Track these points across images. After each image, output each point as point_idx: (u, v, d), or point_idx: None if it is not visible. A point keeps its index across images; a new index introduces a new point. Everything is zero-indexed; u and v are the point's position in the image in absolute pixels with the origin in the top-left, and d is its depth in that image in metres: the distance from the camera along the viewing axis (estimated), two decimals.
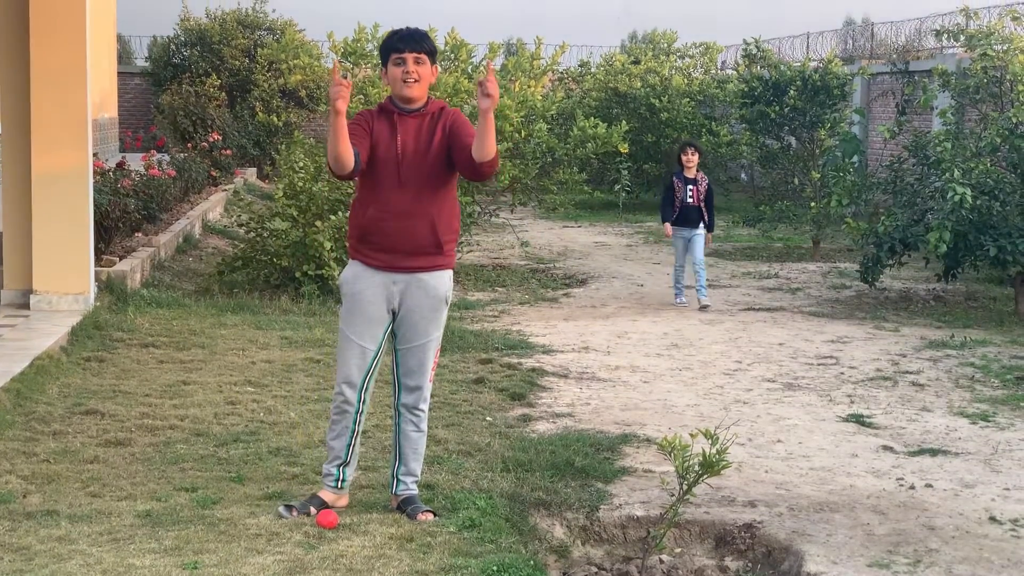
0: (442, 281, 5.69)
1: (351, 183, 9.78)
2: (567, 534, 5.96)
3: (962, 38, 13.74)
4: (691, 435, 5.36)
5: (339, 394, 5.71)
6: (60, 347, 8.85)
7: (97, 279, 10.62)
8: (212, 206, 17.18)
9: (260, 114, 25.05)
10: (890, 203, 12.86)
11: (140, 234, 12.91)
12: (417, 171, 5.58)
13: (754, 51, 17.50)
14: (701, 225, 12.26)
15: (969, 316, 11.76)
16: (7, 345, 8.73)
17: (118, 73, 26.28)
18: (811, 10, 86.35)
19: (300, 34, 25.78)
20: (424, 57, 5.62)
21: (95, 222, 10.65)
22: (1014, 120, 12.03)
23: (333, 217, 11.38)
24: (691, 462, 5.27)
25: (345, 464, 5.73)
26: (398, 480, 5.78)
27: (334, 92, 5.33)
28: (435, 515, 5.64)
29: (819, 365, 9.54)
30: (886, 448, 7.28)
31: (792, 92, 16.50)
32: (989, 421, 7.92)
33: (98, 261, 10.94)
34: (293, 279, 11.68)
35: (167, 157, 17.80)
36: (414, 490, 5.79)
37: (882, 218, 12.27)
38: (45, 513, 5.56)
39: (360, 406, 5.71)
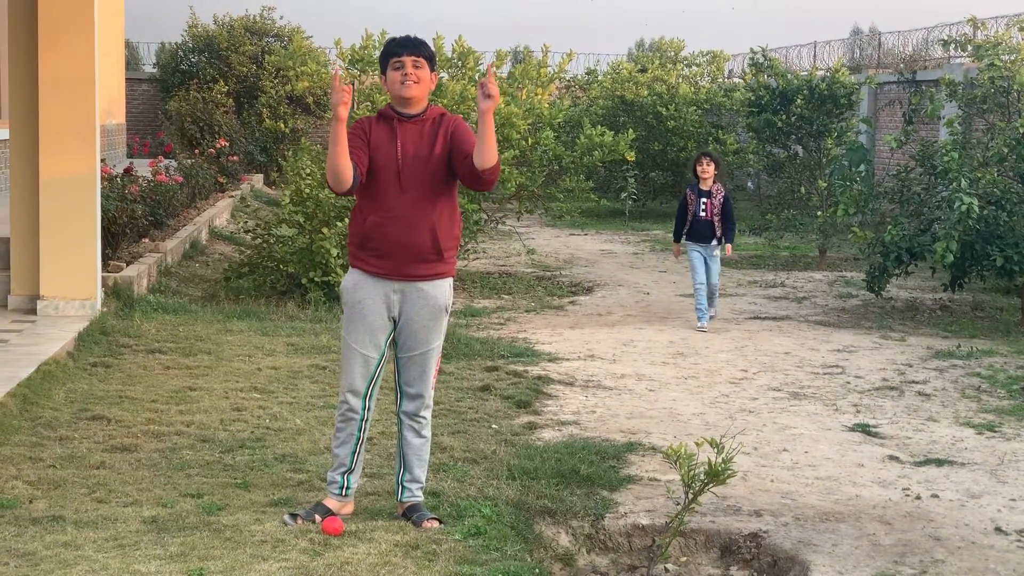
0: (441, 290, 5.68)
1: None
2: (572, 542, 5.96)
3: (969, 48, 13.75)
4: (697, 444, 5.36)
5: (343, 402, 5.71)
6: (67, 352, 8.87)
7: (104, 285, 10.64)
8: (219, 212, 17.20)
9: (267, 120, 25.08)
10: (897, 212, 12.85)
11: (147, 240, 12.93)
12: (417, 178, 5.57)
13: (761, 60, 17.50)
14: (714, 242, 11.56)
15: (975, 326, 11.74)
16: (14, 350, 8.74)
17: (126, 79, 26.37)
18: (818, 19, 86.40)
19: (307, 41, 25.81)
20: (422, 61, 5.61)
21: (102, 228, 10.68)
22: (1021, 130, 12.03)
23: (340, 224, 11.40)
24: (697, 471, 5.27)
25: (350, 472, 5.74)
26: (403, 487, 5.78)
27: (336, 98, 5.36)
28: (441, 522, 5.64)
29: (825, 374, 9.53)
30: (892, 458, 7.27)
31: (799, 101, 16.51)
32: (995, 431, 7.91)
33: (105, 267, 10.95)
34: (299, 285, 11.69)
35: (174, 163, 17.84)
36: (419, 497, 5.79)
37: (889, 227, 12.26)
38: (51, 519, 5.56)
39: (365, 414, 5.71)
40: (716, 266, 11.65)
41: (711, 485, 5.28)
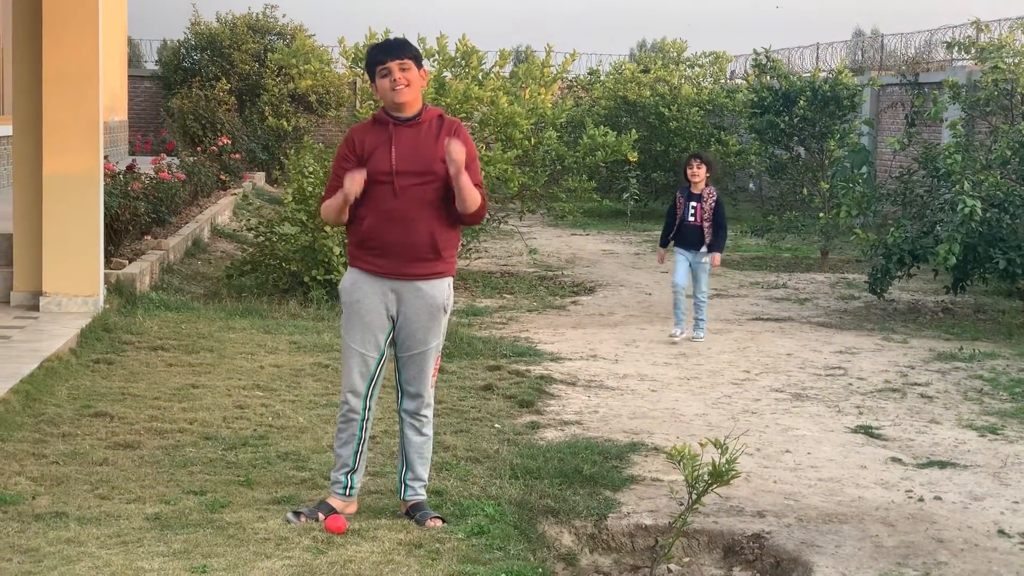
0: (440, 289, 5.67)
1: None
2: (575, 542, 5.96)
3: (973, 50, 13.76)
4: (701, 444, 5.36)
5: (344, 403, 5.71)
6: (69, 349, 8.87)
7: (106, 282, 10.64)
8: (221, 210, 17.20)
9: (270, 118, 25.08)
10: (899, 214, 12.86)
11: (149, 237, 12.93)
12: (416, 179, 5.54)
13: (764, 61, 17.50)
14: (703, 249, 10.79)
15: (978, 329, 11.74)
16: (17, 346, 8.75)
17: (128, 76, 26.35)
18: (821, 21, 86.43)
19: (310, 39, 25.79)
20: (408, 63, 5.58)
21: (105, 225, 10.67)
22: None
23: None
24: (700, 471, 5.27)
25: (353, 471, 5.73)
26: (406, 486, 5.78)
27: (350, 184, 5.45)
28: (444, 521, 5.64)
29: (827, 376, 9.53)
30: (895, 460, 7.27)
31: (802, 102, 16.50)
32: (998, 434, 7.91)
33: (107, 264, 10.95)
34: (302, 283, 11.69)
35: (176, 161, 17.83)
36: (422, 495, 5.79)
37: (891, 229, 12.26)
38: (54, 515, 5.56)
39: (366, 413, 5.71)
40: (704, 276, 10.90)
41: (715, 486, 5.27)
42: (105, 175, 11.31)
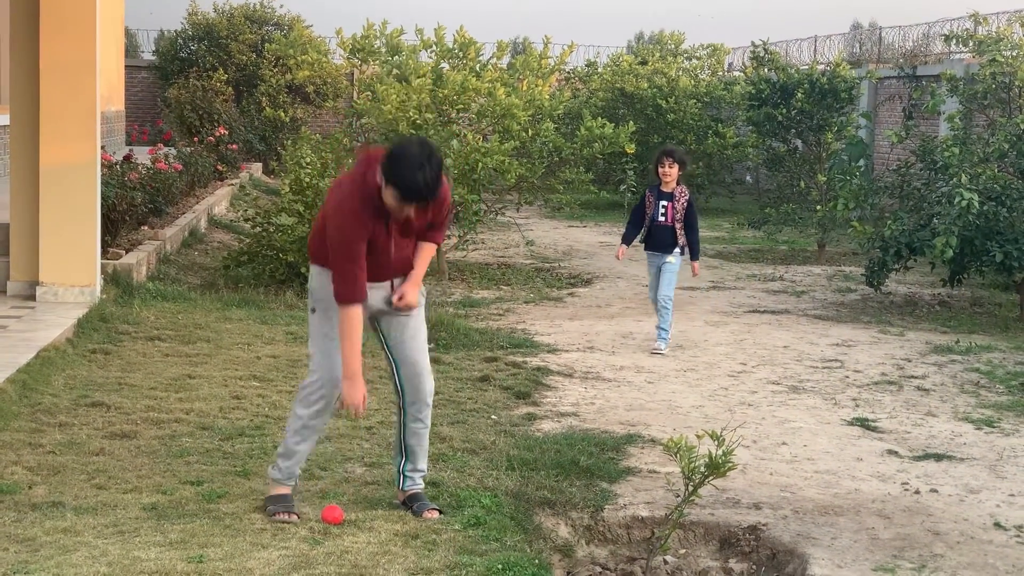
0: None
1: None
2: (572, 533, 5.96)
3: (971, 43, 13.73)
4: (698, 436, 5.36)
5: (323, 396, 5.60)
6: (66, 339, 8.86)
7: (103, 272, 10.63)
8: (218, 200, 17.19)
9: (267, 109, 25.06)
10: (896, 207, 12.85)
11: (146, 227, 12.92)
12: (408, 238, 5.64)
13: (762, 53, 17.49)
14: (676, 251, 10.09)
15: (974, 321, 11.75)
16: (13, 336, 8.74)
17: (125, 66, 26.30)
18: (818, 14, 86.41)
19: (308, 30, 25.79)
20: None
21: (102, 215, 10.67)
22: (1022, 126, 12.02)
23: None
24: (697, 463, 5.27)
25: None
26: (405, 476, 5.78)
27: (357, 412, 5.50)
28: (440, 512, 5.64)
29: (824, 368, 9.54)
30: (891, 452, 7.27)
31: (799, 95, 16.50)
32: (994, 427, 7.92)
33: (104, 254, 10.94)
34: (298, 274, 11.67)
35: (173, 151, 17.81)
36: (421, 485, 5.80)
37: (888, 222, 12.26)
38: (51, 505, 5.56)
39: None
40: (670, 274, 10.10)
41: (711, 478, 5.28)
42: (102, 165, 11.30)
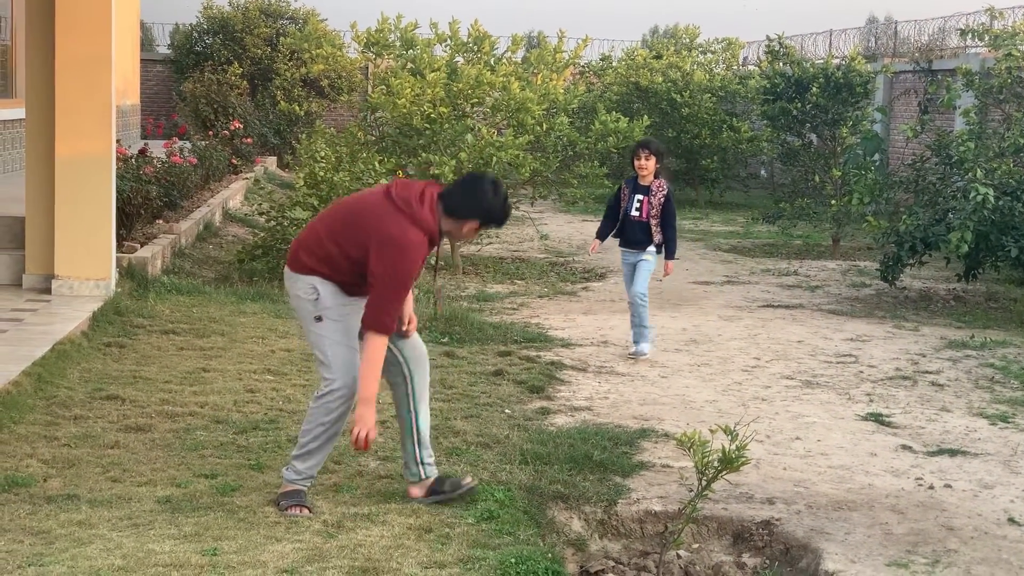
0: None
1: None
2: (585, 527, 5.97)
3: (987, 38, 13.71)
4: (711, 431, 5.36)
5: (345, 403, 5.59)
6: (81, 332, 8.89)
7: (118, 265, 10.66)
8: (232, 194, 17.21)
9: (281, 103, 25.06)
10: (911, 202, 12.83)
11: (161, 221, 12.94)
12: None
13: (777, 48, 17.46)
14: (651, 248, 9.62)
15: (989, 317, 11.72)
16: (29, 329, 8.77)
17: (140, 60, 26.34)
18: (834, 8, 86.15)
19: (322, 24, 25.80)
20: None
21: (117, 208, 10.69)
22: None
23: None
24: (710, 458, 5.27)
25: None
26: (424, 465, 5.80)
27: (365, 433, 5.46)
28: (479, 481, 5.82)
29: (838, 363, 9.52)
30: (905, 447, 7.26)
31: (814, 89, 16.47)
32: (1008, 422, 7.90)
33: (119, 247, 10.97)
34: None
35: (188, 144, 17.83)
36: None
37: (903, 217, 12.24)
38: (66, 497, 5.59)
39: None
40: (644, 270, 9.64)
41: (724, 472, 5.27)
42: (117, 159, 11.33)
